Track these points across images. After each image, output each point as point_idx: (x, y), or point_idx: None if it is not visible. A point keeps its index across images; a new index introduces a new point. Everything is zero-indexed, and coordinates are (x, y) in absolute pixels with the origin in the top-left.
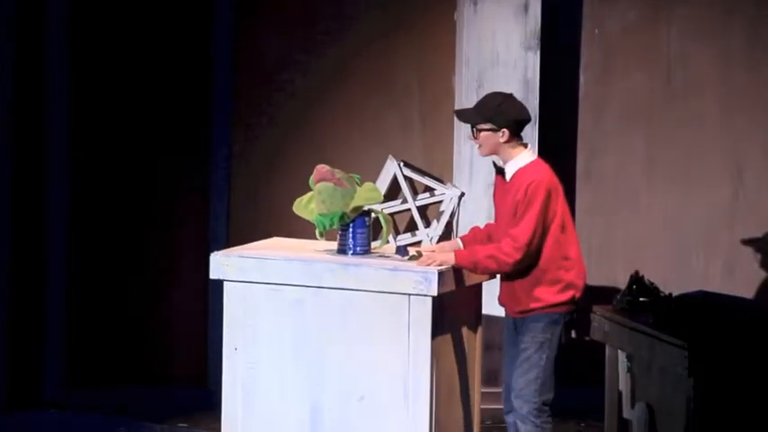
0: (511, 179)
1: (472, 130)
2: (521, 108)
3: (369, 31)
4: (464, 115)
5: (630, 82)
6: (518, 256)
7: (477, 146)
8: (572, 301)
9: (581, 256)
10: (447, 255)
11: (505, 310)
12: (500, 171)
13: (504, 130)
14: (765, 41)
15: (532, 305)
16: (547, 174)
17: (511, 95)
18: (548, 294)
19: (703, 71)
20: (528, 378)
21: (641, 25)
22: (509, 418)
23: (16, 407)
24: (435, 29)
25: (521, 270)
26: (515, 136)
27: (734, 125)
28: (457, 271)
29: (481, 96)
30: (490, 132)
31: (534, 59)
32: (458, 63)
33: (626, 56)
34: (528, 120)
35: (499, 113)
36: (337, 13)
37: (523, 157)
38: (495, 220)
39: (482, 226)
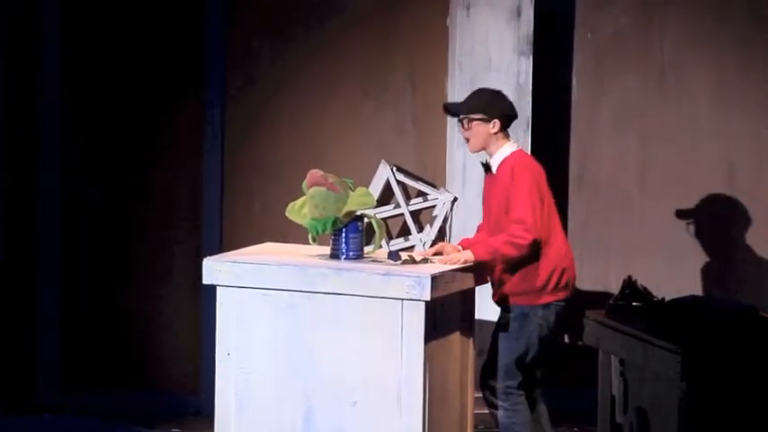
0: (497, 170)
1: (462, 123)
2: (510, 103)
3: (362, 36)
4: (455, 107)
5: (623, 86)
6: (530, 236)
7: (466, 139)
8: (544, 291)
9: (564, 252)
10: (466, 253)
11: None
12: (487, 168)
13: (496, 120)
14: (757, 45)
15: (504, 290)
16: (528, 159)
17: (500, 92)
18: (515, 279)
19: (696, 75)
20: (498, 365)
21: (634, 30)
22: None
23: (9, 411)
24: (428, 34)
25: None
26: (504, 129)
27: (726, 129)
28: (451, 275)
29: None
30: (481, 122)
31: (527, 64)
32: (451, 68)
33: (618, 60)
34: (516, 116)
35: (491, 104)
36: (330, 17)
37: (507, 149)
38: (484, 217)
39: (472, 236)
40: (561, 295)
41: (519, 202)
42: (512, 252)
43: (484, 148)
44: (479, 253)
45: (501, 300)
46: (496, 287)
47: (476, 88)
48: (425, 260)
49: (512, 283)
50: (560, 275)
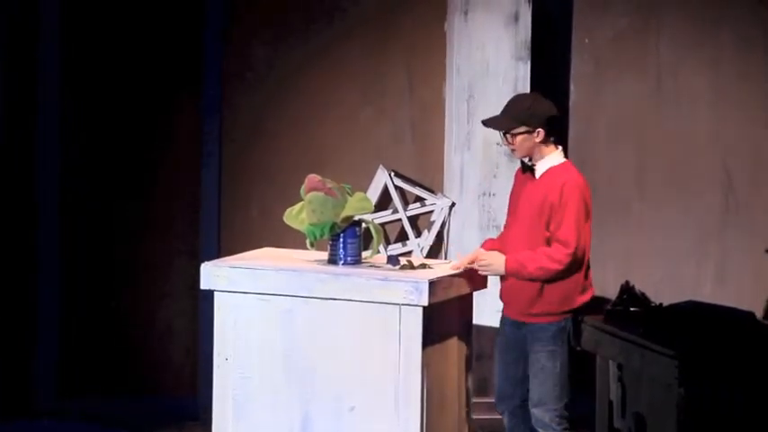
0: (541, 177)
1: (505, 136)
2: (550, 104)
3: (359, 42)
4: (496, 123)
5: (621, 91)
6: (569, 260)
7: (511, 150)
8: (581, 306)
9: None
10: (498, 263)
11: (506, 310)
12: (526, 168)
13: (539, 129)
14: (755, 49)
15: (543, 308)
16: (579, 176)
17: (537, 94)
18: (565, 298)
19: (693, 79)
20: (547, 388)
21: (631, 34)
22: (504, 413)
23: (7, 415)
24: (426, 39)
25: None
26: (549, 134)
27: (724, 133)
28: (449, 280)
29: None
30: (526, 135)
31: (524, 69)
32: (448, 73)
33: (616, 65)
34: (559, 115)
35: (532, 114)
36: (327, 23)
37: (555, 157)
38: (511, 216)
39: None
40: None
41: (567, 223)
42: (542, 276)
43: (530, 156)
44: (511, 270)
45: (532, 319)
46: (528, 301)
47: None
48: (423, 265)
49: (552, 302)
50: (591, 296)
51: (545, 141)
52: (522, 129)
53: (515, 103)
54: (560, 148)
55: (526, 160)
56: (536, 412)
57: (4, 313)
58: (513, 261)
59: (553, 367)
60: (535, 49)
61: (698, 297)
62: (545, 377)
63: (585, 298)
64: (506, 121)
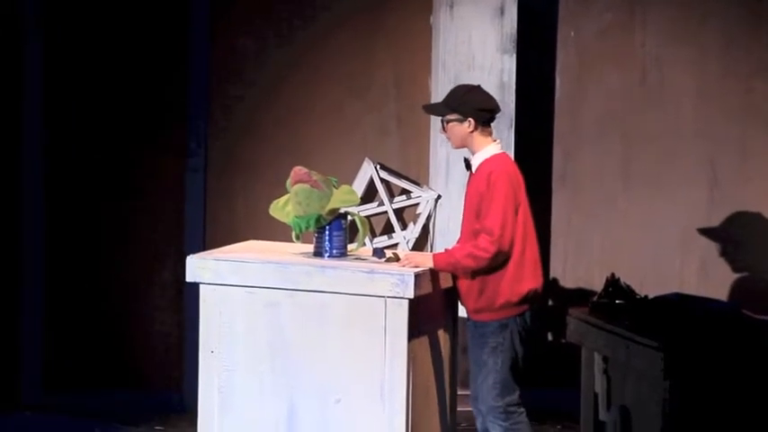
0: (476, 171)
1: (442, 124)
2: (486, 98)
3: (346, 35)
4: (431, 108)
5: (606, 85)
6: (494, 248)
7: (448, 139)
8: (522, 302)
9: (538, 259)
10: (425, 257)
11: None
12: (468, 166)
13: (471, 119)
14: (740, 44)
15: (482, 304)
16: (509, 166)
17: (477, 86)
18: (498, 293)
19: (678, 73)
20: (487, 384)
21: (617, 28)
22: (477, 416)
23: None
24: (412, 32)
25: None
26: (483, 126)
27: (709, 127)
28: (433, 273)
29: None
30: (457, 123)
31: (510, 63)
32: (434, 66)
33: (602, 59)
34: (495, 109)
35: (464, 103)
36: (313, 17)
37: (489, 150)
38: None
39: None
40: (528, 307)
41: (492, 211)
42: (471, 264)
43: (464, 147)
44: (439, 262)
45: (475, 316)
46: (471, 296)
47: (458, 85)
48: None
49: (489, 297)
50: (529, 291)
51: (481, 133)
52: (454, 116)
53: (452, 92)
54: (498, 141)
55: (468, 153)
56: (481, 408)
57: None
58: (441, 253)
59: (494, 364)
60: (521, 42)
61: (683, 289)
62: (486, 373)
63: (523, 289)
64: (439, 108)
